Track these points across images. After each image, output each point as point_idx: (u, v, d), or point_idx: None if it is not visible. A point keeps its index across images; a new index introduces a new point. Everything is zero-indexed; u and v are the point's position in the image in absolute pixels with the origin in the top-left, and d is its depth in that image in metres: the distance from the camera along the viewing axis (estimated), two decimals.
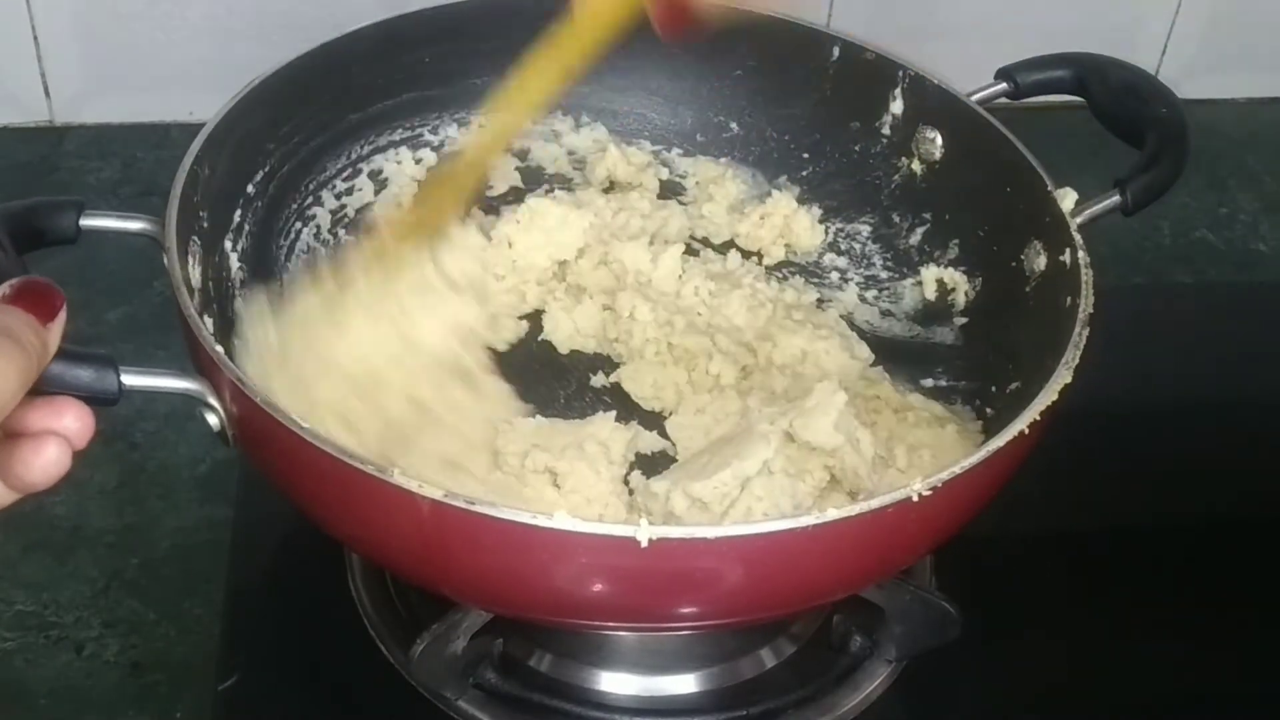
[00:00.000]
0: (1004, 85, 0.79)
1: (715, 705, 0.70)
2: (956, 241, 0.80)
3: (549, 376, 0.77)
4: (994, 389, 0.74)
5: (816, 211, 0.86)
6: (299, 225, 0.80)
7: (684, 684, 0.71)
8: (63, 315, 0.49)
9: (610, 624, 0.65)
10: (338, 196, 0.82)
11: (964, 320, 0.79)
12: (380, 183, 0.84)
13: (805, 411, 0.65)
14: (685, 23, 0.63)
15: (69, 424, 0.50)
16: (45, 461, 0.49)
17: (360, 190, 0.83)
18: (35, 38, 1.03)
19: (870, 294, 0.84)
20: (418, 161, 0.85)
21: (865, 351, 0.79)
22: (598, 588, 0.56)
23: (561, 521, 0.51)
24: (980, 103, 0.78)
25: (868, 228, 0.85)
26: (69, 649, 0.73)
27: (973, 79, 0.79)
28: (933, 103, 0.80)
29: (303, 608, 0.75)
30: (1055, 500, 0.75)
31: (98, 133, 1.08)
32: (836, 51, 0.83)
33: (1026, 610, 0.77)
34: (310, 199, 0.80)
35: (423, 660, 0.64)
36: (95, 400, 0.51)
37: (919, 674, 0.72)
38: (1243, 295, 1.04)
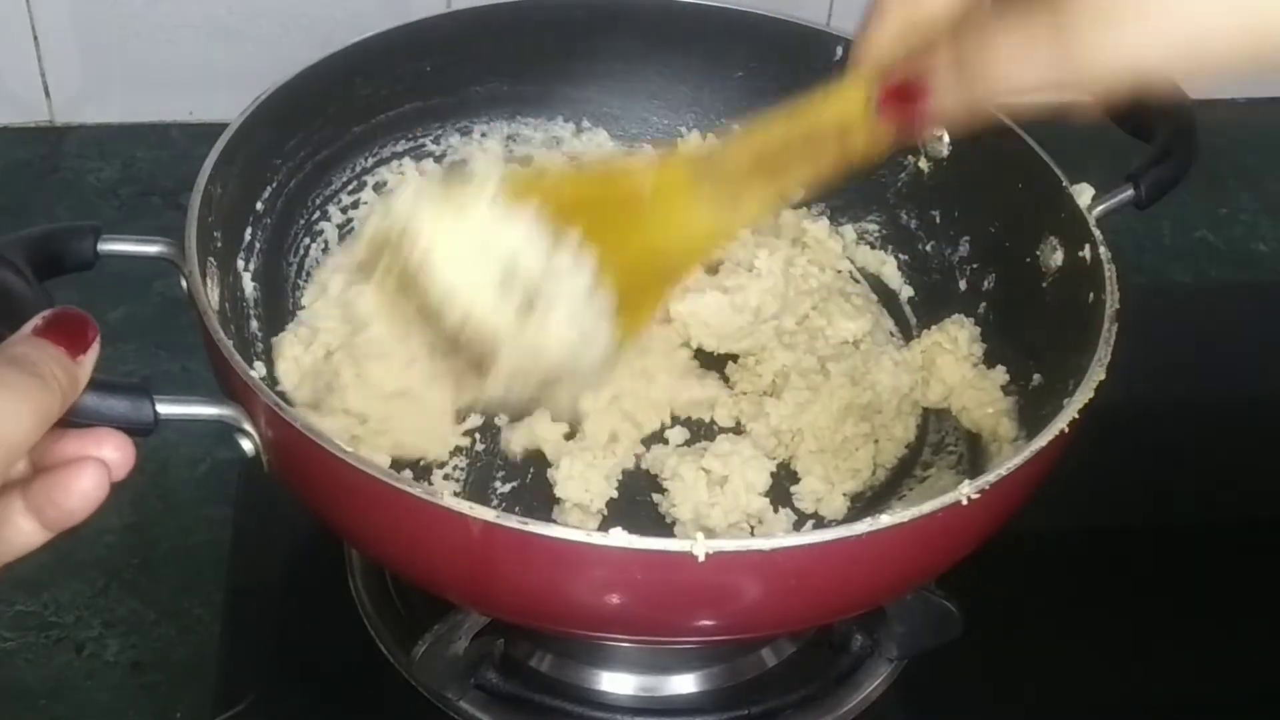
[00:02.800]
0: None
1: (716, 705, 0.70)
2: (967, 239, 0.80)
3: None
4: (1016, 385, 0.74)
5: (824, 221, 0.86)
6: (307, 241, 0.80)
7: (684, 684, 0.71)
8: (95, 346, 0.48)
9: (658, 639, 0.65)
10: (344, 210, 0.82)
11: (978, 316, 0.79)
12: (385, 195, 0.83)
13: None
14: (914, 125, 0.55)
15: (108, 454, 0.48)
16: (84, 487, 0.47)
17: (366, 203, 0.83)
18: (35, 38, 1.03)
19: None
20: (421, 173, 0.85)
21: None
22: (650, 602, 0.55)
23: (617, 539, 0.51)
24: None
25: (875, 226, 0.85)
26: (69, 649, 0.73)
27: None
28: None
29: (303, 608, 0.75)
30: (1055, 500, 0.75)
31: (98, 133, 1.08)
32: (839, 51, 0.82)
33: (1026, 610, 0.77)
34: (317, 214, 0.80)
35: (424, 661, 0.64)
36: (130, 431, 0.50)
37: (919, 674, 0.72)
38: (1243, 295, 1.04)
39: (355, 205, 0.82)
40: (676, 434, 0.74)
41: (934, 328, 0.79)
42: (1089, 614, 0.78)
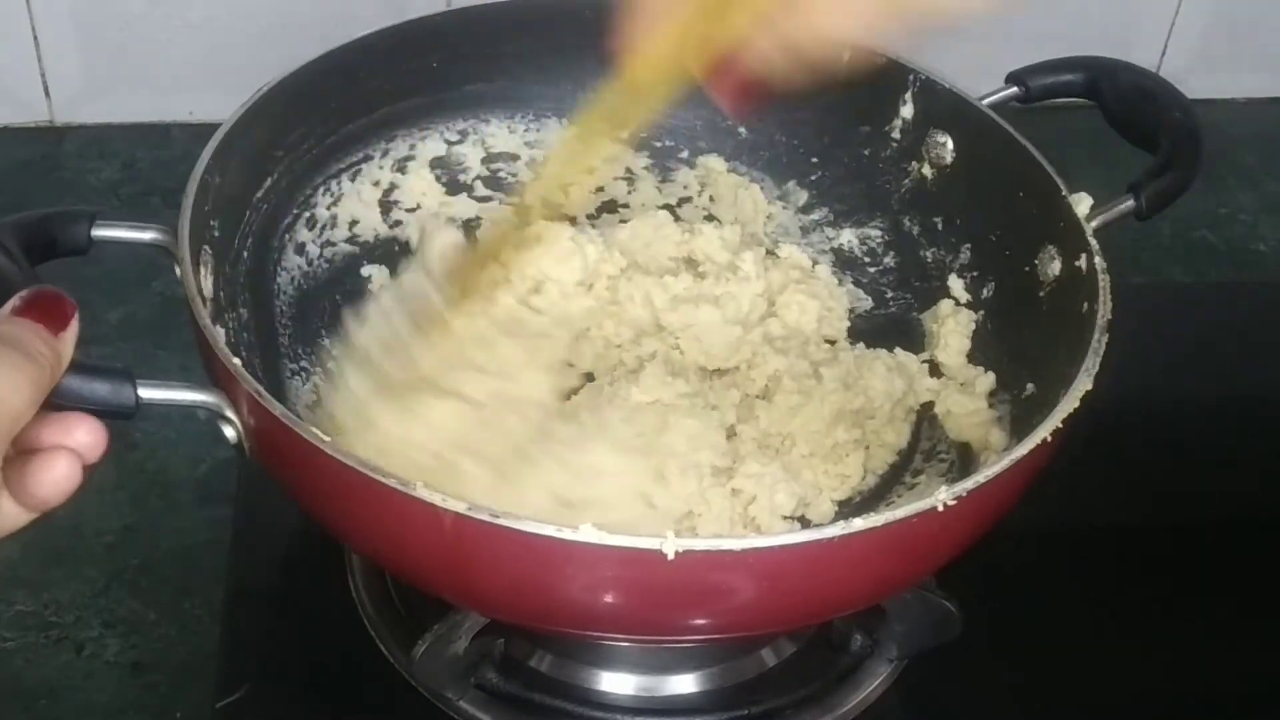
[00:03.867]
0: (1015, 89, 0.78)
1: (716, 705, 0.70)
2: (968, 246, 0.80)
3: None
4: (1010, 394, 0.74)
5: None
6: (306, 230, 0.79)
7: (684, 684, 0.71)
8: (75, 324, 0.49)
9: (632, 636, 0.65)
10: (339, 203, 0.81)
11: (976, 323, 0.79)
12: (386, 190, 0.83)
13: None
14: (754, 100, 0.59)
15: (80, 438, 0.49)
16: (56, 477, 0.48)
17: (364, 199, 0.82)
18: (35, 38, 1.03)
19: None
20: (422, 169, 0.84)
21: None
22: (622, 600, 0.55)
23: (586, 534, 0.51)
24: (991, 107, 0.77)
25: (878, 232, 0.85)
26: (69, 649, 0.73)
27: (969, 79, 0.79)
28: (944, 107, 0.79)
29: (303, 608, 0.75)
30: (1055, 500, 0.75)
31: (98, 133, 1.08)
32: (845, 55, 0.82)
33: (1026, 610, 0.77)
34: (317, 205, 0.80)
35: (424, 661, 0.64)
36: (112, 414, 0.51)
37: (919, 673, 0.72)
38: (1243, 295, 1.04)
39: (357, 196, 0.82)
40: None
41: (933, 330, 0.79)
42: (1089, 614, 0.78)
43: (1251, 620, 0.78)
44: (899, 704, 0.71)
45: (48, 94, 1.06)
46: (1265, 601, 0.79)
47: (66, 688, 0.72)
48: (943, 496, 0.54)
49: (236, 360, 0.57)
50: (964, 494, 0.54)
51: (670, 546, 0.51)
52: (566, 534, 0.51)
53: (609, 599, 0.55)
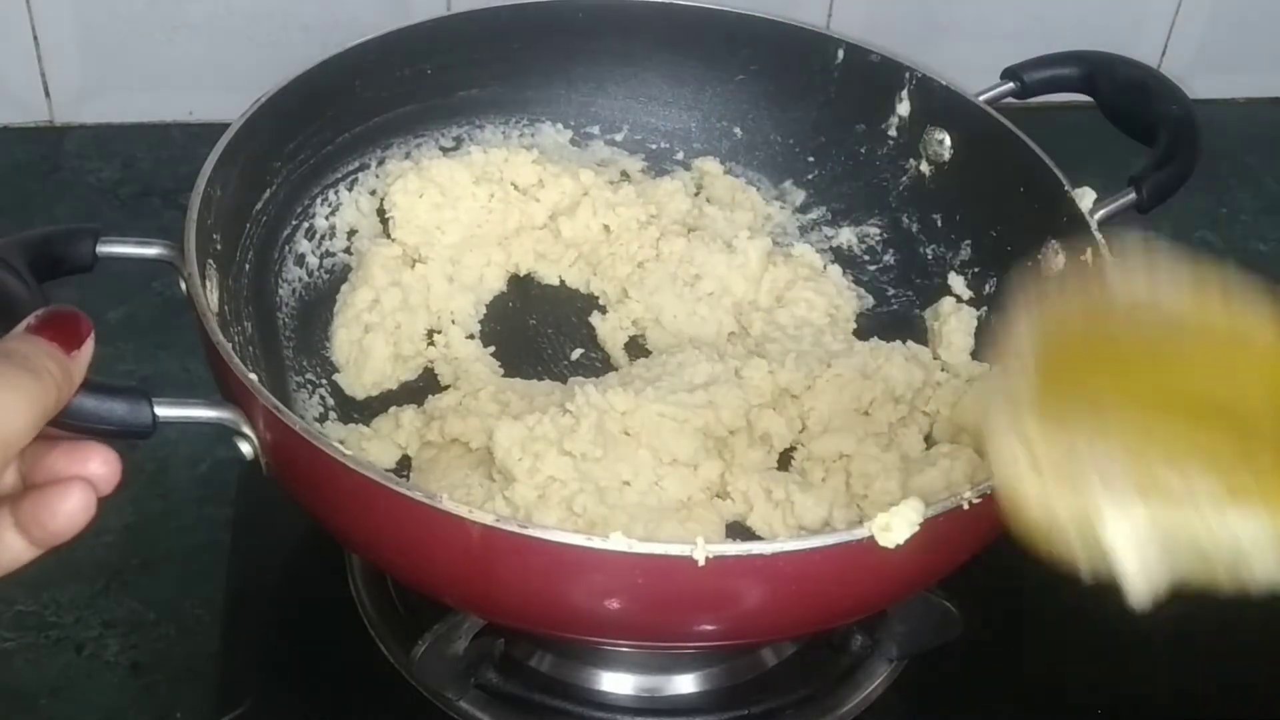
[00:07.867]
0: (1011, 85, 0.78)
1: (716, 705, 0.70)
2: (969, 242, 0.80)
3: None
4: None
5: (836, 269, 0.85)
6: (305, 240, 0.80)
7: (685, 684, 0.71)
8: (89, 344, 0.48)
9: (657, 644, 0.65)
10: (336, 212, 0.82)
11: (979, 321, 0.79)
12: (380, 198, 0.83)
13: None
14: None
15: (95, 469, 0.48)
16: (70, 508, 0.47)
17: (362, 208, 0.83)
18: (35, 38, 1.03)
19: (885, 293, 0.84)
20: (415, 176, 0.84)
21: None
22: (653, 608, 0.55)
23: (617, 543, 0.51)
24: (988, 103, 0.77)
25: (877, 230, 0.85)
26: (69, 649, 0.73)
27: (970, 78, 0.79)
28: (941, 104, 0.80)
29: (303, 608, 0.75)
30: None
31: (98, 133, 1.08)
32: (841, 54, 0.82)
33: (1026, 610, 0.77)
34: (316, 216, 0.80)
35: (424, 661, 0.64)
36: (129, 434, 0.50)
37: (919, 674, 0.72)
38: None
39: (354, 205, 0.82)
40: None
41: (935, 328, 0.79)
42: (1089, 614, 0.77)
43: (1251, 621, 0.78)
44: (899, 704, 0.72)
45: (48, 94, 1.06)
46: (1266, 603, 0.79)
47: (66, 688, 0.72)
48: (968, 495, 0.54)
49: (253, 375, 0.57)
50: (989, 491, 0.54)
51: (701, 553, 0.51)
52: (596, 543, 0.51)
53: (637, 606, 0.55)
